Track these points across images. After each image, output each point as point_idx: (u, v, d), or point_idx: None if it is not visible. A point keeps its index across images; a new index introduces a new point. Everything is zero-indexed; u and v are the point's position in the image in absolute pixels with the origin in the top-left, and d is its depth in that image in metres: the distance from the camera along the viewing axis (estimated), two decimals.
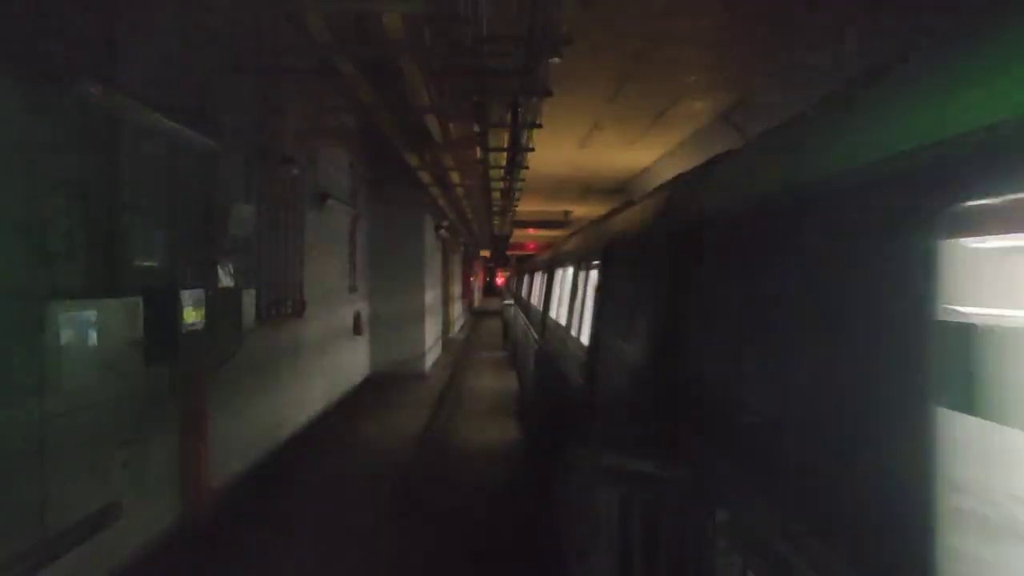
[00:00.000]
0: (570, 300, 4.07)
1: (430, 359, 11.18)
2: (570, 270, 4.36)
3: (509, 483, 5.22)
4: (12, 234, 2.65)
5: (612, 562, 2.09)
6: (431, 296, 11.58)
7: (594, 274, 3.26)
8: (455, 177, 7.59)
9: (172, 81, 3.87)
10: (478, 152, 6.56)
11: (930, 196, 1.10)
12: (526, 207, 14.68)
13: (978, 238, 1.17)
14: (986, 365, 0.98)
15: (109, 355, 2.97)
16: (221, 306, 4.48)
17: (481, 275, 36.64)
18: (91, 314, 2.86)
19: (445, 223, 13.04)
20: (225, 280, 4.58)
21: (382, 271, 9.99)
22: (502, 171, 8.18)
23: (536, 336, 6.05)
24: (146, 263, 3.64)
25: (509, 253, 26.30)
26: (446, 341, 14.53)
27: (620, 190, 12.00)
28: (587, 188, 12.34)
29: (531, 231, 20.28)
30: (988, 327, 1.00)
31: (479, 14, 3.18)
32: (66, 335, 2.70)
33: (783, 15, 4.50)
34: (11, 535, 2.56)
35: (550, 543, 3.63)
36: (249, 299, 4.88)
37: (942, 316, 1.07)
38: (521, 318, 9.33)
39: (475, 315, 25.19)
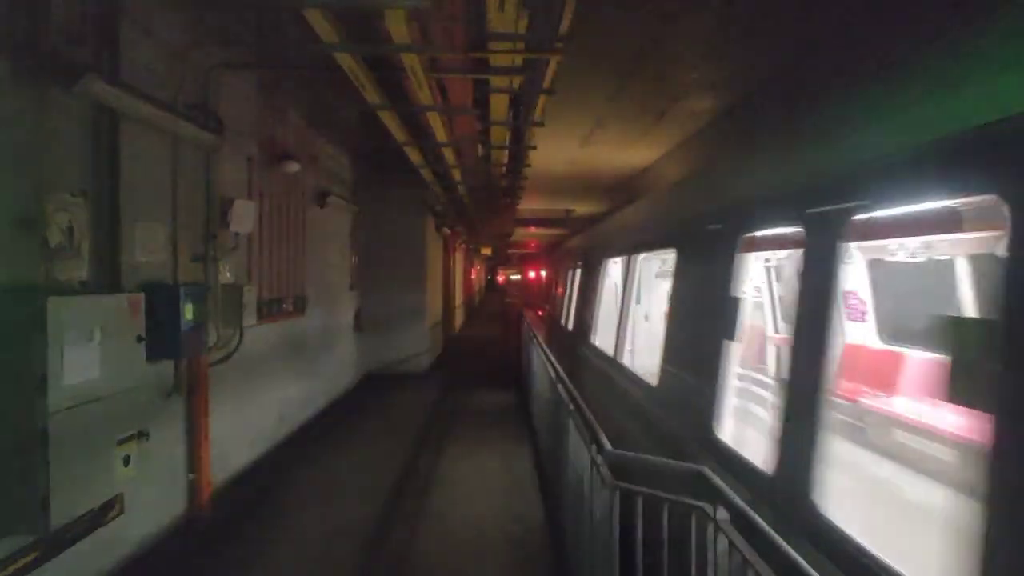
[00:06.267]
0: None
1: (430, 357, 11.18)
2: None
3: None
4: (15, 230, 2.66)
5: None
6: (432, 294, 11.57)
7: None
8: (457, 175, 7.58)
9: (175, 77, 3.87)
10: (480, 150, 6.56)
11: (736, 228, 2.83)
12: (527, 205, 14.64)
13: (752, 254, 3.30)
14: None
15: (112, 351, 2.98)
16: (222, 302, 4.49)
17: (482, 273, 36.79)
18: (93, 310, 2.87)
19: (446, 221, 13.03)
20: (227, 276, 4.59)
21: (383, 269, 9.98)
22: (504, 169, 8.16)
23: None
24: (148, 259, 3.64)
25: (510, 251, 26.31)
26: (446, 338, 14.51)
27: (622, 188, 11.98)
28: (589, 186, 12.31)
29: (532, 229, 20.22)
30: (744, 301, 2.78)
31: (482, 11, 3.18)
32: (68, 330, 2.70)
33: (784, 14, 4.50)
34: (14, 527, 2.57)
35: None
36: (250, 296, 4.89)
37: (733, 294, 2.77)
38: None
39: (475, 313, 25.18)
